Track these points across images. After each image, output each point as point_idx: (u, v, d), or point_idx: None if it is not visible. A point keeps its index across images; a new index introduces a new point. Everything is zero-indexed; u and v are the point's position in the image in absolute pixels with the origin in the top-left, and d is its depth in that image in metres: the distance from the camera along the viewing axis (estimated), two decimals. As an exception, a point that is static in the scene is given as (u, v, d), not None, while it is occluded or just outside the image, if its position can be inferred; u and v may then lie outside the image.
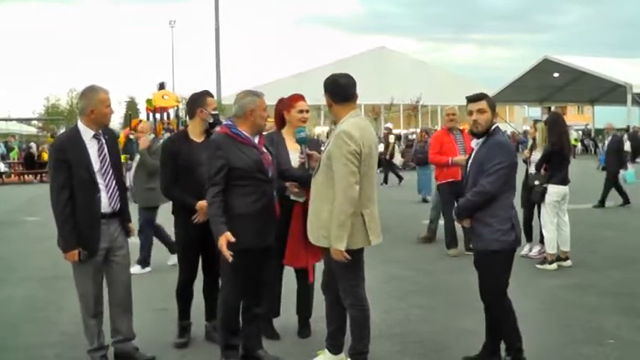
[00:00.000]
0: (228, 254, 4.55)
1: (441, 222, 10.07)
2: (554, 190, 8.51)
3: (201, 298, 5.70)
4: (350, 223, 4.47)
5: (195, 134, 5.46)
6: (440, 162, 9.46)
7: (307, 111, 5.64)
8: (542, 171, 8.70)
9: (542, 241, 9.10)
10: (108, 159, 4.94)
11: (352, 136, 4.48)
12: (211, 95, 5.57)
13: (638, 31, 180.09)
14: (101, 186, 4.87)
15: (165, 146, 5.60)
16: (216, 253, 4.93)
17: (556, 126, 8.67)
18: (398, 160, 26.06)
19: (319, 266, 5.24)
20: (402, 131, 49.29)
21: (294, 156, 5.50)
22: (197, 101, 5.46)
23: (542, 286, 7.57)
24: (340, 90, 4.70)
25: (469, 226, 4.94)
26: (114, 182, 4.97)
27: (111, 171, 4.95)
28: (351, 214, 4.47)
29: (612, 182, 15.04)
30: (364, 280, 4.82)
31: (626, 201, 15.02)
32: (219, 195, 4.64)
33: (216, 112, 5.47)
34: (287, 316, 5.91)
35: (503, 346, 4.96)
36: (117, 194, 5.00)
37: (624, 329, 5.95)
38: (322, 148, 5.02)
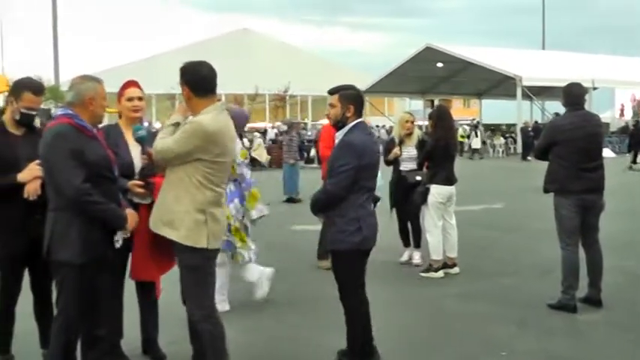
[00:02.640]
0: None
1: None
2: (437, 191, 8.68)
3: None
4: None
5: (12, 125, 5.23)
6: None
7: (140, 98, 5.51)
8: (425, 169, 8.93)
9: (417, 246, 9.42)
10: None
11: (206, 131, 4.51)
12: (33, 89, 5.22)
13: (528, 19, 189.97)
14: None
15: None
16: (45, 267, 4.73)
17: (442, 120, 8.90)
18: (264, 157, 26.21)
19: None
20: (268, 125, 49.36)
21: (136, 151, 5.37)
22: (13, 91, 5.25)
23: (426, 296, 7.78)
24: (202, 82, 4.68)
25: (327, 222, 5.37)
26: None
27: None
28: (198, 212, 4.54)
29: None
30: (214, 288, 4.81)
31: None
32: (91, 188, 4.48)
33: (29, 112, 5.18)
34: (132, 337, 5.73)
35: None
36: None
37: (517, 339, 6.25)
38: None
